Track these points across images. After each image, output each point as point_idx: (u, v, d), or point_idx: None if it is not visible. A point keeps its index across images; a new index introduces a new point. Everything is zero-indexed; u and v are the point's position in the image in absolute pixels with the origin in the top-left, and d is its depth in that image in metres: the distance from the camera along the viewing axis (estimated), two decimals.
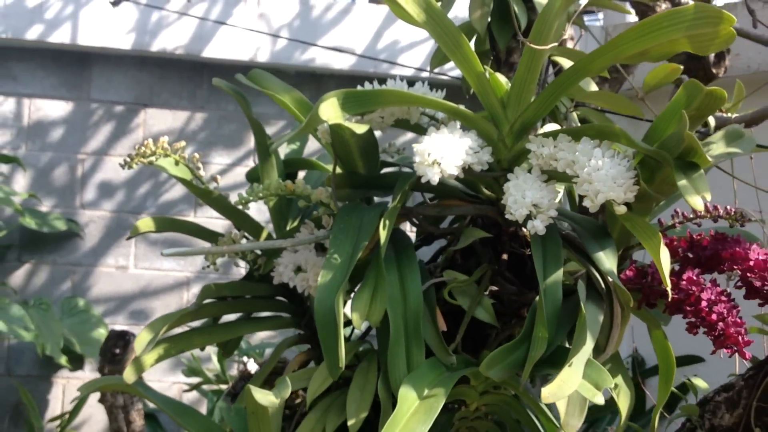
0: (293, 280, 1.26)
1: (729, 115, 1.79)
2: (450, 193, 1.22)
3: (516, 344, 1.07)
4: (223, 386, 2.55)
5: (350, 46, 3.11)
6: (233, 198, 1.24)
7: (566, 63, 1.46)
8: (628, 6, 1.99)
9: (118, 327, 2.88)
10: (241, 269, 1.47)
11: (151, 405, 2.77)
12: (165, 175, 3.04)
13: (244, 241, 1.30)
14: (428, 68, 1.96)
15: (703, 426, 1.48)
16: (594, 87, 1.39)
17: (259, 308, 1.35)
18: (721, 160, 1.24)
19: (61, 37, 3.05)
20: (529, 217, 1.07)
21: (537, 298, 1.07)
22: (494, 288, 1.21)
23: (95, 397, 2.45)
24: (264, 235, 1.35)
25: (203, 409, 2.75)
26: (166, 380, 3.03)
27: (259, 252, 1.33)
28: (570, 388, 0.98)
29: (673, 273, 1.09)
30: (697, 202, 0.95)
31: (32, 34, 3.04)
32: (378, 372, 1.17)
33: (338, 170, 1.22)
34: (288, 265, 1.26)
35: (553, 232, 1.10)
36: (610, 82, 1.68)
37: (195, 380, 2.71)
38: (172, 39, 3.11)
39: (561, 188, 1.19)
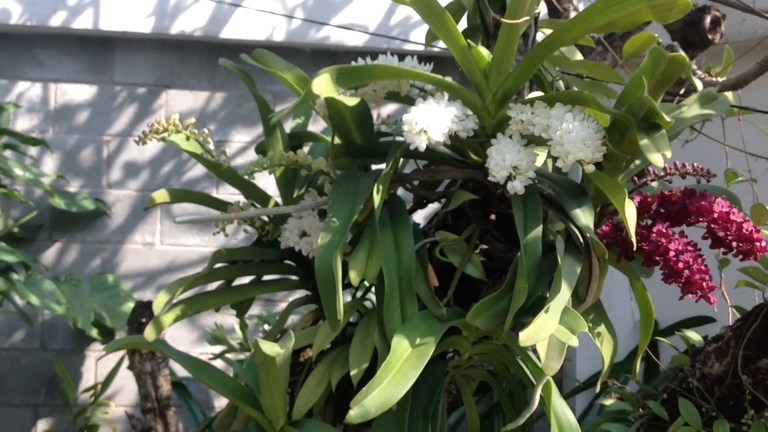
0: (299, 244, 1.36)
1: (718, 78, 1.87)
2: (440, 159, 1.31)
3: (499, 295, 1.16)
4: (247, 354, 2.64)
5: (363, 23, 3.17)
6: None
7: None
8: None
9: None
10: (254, 238, 1.56)
11: (180, 375, 2.88)
12: (187, 155, 3.12)
13: (251, 209, 1.40)
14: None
15: (694, 375, 1.55)
16: (579, 56, 1.47)
17: (269, 271, 1.45)
18: (696, 121, 1.32)
19: (83, 22, 3.11)
20: (509, 178, 1.16)
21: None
22: (484, 246, 1.30)
23: (126, 370, 2.53)
24: (271, 203, 1.45)
25: None
26: (194, 351, 3.12)
27: (266, 219, 1.43)
28: (546, 332, 1.07)
29: (646, 227, 1.17)
30: (657, 159, 1.04)
31: (56, 20, 3.10)
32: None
33: (337, 141, 1.32)
34: (293, 230, 1.36)
35: (533, 192, 1.19)
36: (600, 53, 1.76)
37: (219, 349, 2.80)
38: (191, 21, 3.17)
39: (543, 152, 1.27)
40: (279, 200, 1.49)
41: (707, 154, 1.95)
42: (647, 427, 1.59)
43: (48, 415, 3.08)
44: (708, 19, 2.02)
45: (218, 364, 2.98)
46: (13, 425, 3.07)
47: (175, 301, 1.32)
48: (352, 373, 1.24)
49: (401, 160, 1.35)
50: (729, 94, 1.90)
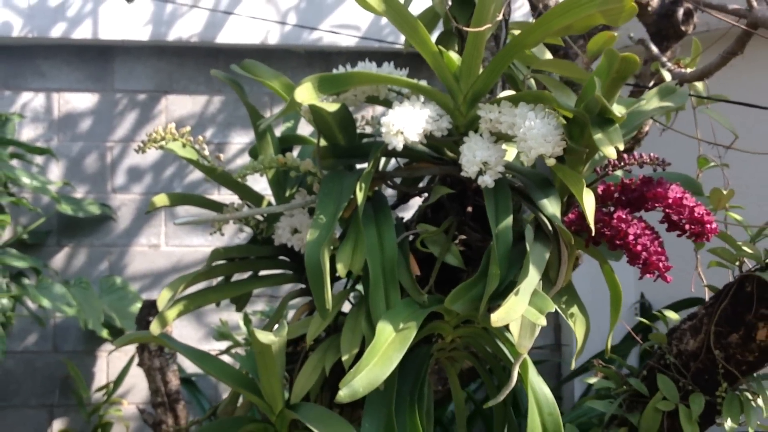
0: (291, 241, 1.46)
1: (686, 70, 1.96)
2: (419, 157, 1.40)
3: (474, 281, 1.26)
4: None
5: (356, 23, 3.24)
6: None
7: None
8: None
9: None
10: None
11: (189, 371, 2.97)
12: None
13: (245, 209, 1.50)
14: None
15: (671, 352, 1.64)
16: (548, 55, 1.56)
17: (264, 267, 1.55)
18: (658, 114, 1.41)
19: (83, 33, 3.18)
20: (480, 173, 1.26)
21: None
22: (462, 237, 1.40)
23: (137, 368, 2.61)
24: (264, 203, 1.55)
25: None
26: (201, 348, 3.19)
27: (261, 218, 1.53)
28: (516, 312, 1.16)
29: (608, 214, 1.27)
30: (610, 151, 1.13)
31: (56, 32, 3.17)
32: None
33: (322, 143, 1.41)
34: (285, 227, 1.46)
35: (503, 185, 1.28)
36: (577, 51, 1.85)
37: (225, 345, 2.88)
38: (187, 28, 3.22)
39: (514, 148, 1.36)
40: (273, 200, 1.58)
41: (683, 141, 2.05)
42: (629, 402, 1.67)
43: (63, 415, 3.17)
44: (681, 12, 2.11)
45: (226, 360, 3.08)
46: (30, 426, 3.15)
47: (177, 297, 1.42)
48: (344, 358, 1.32)
49: (382, 159, 1.44)
50: (699, 85, 1.99)
